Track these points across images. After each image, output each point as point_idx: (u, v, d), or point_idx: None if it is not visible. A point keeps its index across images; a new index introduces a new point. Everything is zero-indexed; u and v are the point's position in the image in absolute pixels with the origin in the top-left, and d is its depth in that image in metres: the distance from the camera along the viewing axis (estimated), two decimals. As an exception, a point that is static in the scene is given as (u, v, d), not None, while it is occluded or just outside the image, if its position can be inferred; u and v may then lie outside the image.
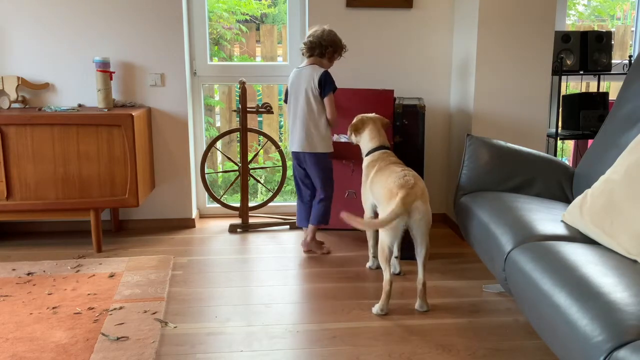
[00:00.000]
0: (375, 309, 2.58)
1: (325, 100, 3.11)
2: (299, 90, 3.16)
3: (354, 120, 3.02)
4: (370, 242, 3.07)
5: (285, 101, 3.30)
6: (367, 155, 2.94)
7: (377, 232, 2.83)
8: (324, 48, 3.12)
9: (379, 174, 2.74)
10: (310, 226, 3.30)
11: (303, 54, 3.20)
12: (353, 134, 3.03)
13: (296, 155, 3.28)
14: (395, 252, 2.96)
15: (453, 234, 3.67)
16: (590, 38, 3.60)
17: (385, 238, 2.53)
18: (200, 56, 3.83)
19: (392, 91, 3.48)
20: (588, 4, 4.66)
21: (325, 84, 3.09)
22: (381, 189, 2.63)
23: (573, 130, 3.73)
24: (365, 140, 2.96)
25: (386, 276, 2.56)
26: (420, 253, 2.58)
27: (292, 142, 3.25)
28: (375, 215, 2.87)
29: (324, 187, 3.25)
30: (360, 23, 3.70)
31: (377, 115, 3.02)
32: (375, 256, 3.04)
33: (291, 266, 3.13)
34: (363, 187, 2.95)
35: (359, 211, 2.92)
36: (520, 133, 3.48)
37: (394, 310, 2.59)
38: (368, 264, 3.12)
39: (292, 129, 3.25)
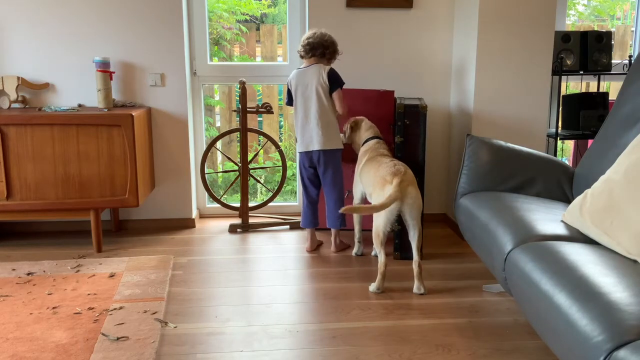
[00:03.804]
0: (372, 287, 2.79)
1: (335, 95, 3.15)
2: (308, 89, 3.15)
3: (350, 120, 3.30)
4: (357, 227, 3.26)
5: (288, 103, 3.28)
6: (362, 145, 3.21)
7: (363, 217, 3.20)
8: (325, 48, 3.16)
9: (368, 164, 3.00)
10: (335, 230, 3.31)
11: (302, 56, 3.20)
12: (349, 130, 3.28)
13: (309, 156, 3.22)
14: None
15: (453, 234, 3.67)
16: (590, 38, 3.60)
17: (380, 222, 2.74)
18: (200, 56, 3.83)
19: (392, 92, 3.49)
20: (588, 4, 4.66)
21: (335, 80, 3.14)
22: (373, 178, 2.87)
23: (573, 130, 3.73)
24: (362, 133, 3.24)
25: (381, 258, 2.77)
26: (413, 237, 2.77)
27: (306, 142, 3.20)
28: (365, 202, 3.13)
29: (337, 186, 3.24)
30: (360, 23, 3.70)
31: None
32: (361, 241, 3.28)
33: (291, 266, 3.13)
34: (355, 175, 3.19)
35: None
36: (520, 133, 3.48)
37: (394, 310, 2.59)
38: (354, 251, 3.28)
39: (304, 129, 3.19)
